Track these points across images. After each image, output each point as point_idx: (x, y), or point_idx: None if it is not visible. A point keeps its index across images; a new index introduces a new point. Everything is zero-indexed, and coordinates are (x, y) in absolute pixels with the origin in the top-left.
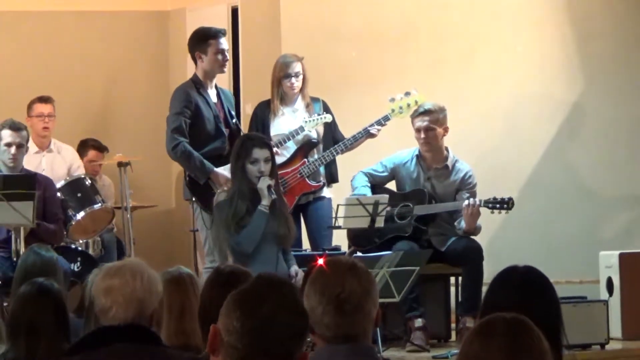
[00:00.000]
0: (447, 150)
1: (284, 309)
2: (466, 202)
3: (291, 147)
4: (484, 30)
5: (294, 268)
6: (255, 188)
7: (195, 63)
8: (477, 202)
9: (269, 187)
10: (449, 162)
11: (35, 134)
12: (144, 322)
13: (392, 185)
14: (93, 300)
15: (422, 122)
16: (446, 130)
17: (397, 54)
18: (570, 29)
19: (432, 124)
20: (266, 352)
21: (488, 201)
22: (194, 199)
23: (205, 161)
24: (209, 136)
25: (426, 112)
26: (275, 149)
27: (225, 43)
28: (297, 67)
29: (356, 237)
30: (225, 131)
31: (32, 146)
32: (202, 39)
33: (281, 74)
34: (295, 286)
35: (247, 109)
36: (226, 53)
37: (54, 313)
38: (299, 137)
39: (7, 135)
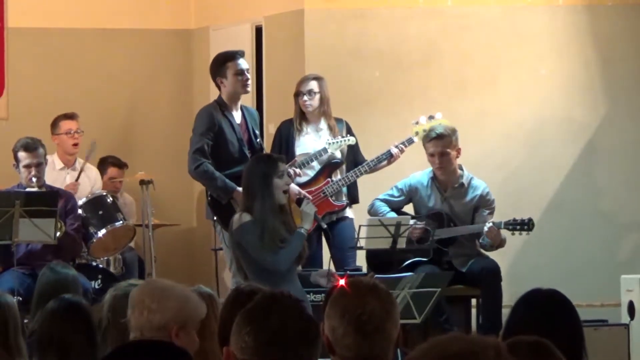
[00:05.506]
0: (461, 169)
1: (291, 317)
2: (486, 228)
3: (315, 166)
4: (507, 52)
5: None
6: (281, 204)
7: (219, 89)
8: (497, 226)
9: (316, 213)
10: (464, 180)
11: (63, 151)
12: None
13: (408, 209)
14: (110, 319)
15: (435, 148)
16: (459, 151)
17: (421, 75)
18: (593, 52)
19: (445, 149)
20: None
21: (508, 223)
22: (215, 219)
23: (228, 180)
24: (232, 159)
25: (439, 137)
26: (298, 170)
27: (244, 63)
28: (309, 85)
29: (375, 262)
30: (248, 153)
31: (57, 163)
32: (220, 63)
33: (295, 91)
34: (297, 298)
35: (270, 128)
36: (246, 72)
37: (84, 330)
38: (323, 157)
39: (24, 157)
